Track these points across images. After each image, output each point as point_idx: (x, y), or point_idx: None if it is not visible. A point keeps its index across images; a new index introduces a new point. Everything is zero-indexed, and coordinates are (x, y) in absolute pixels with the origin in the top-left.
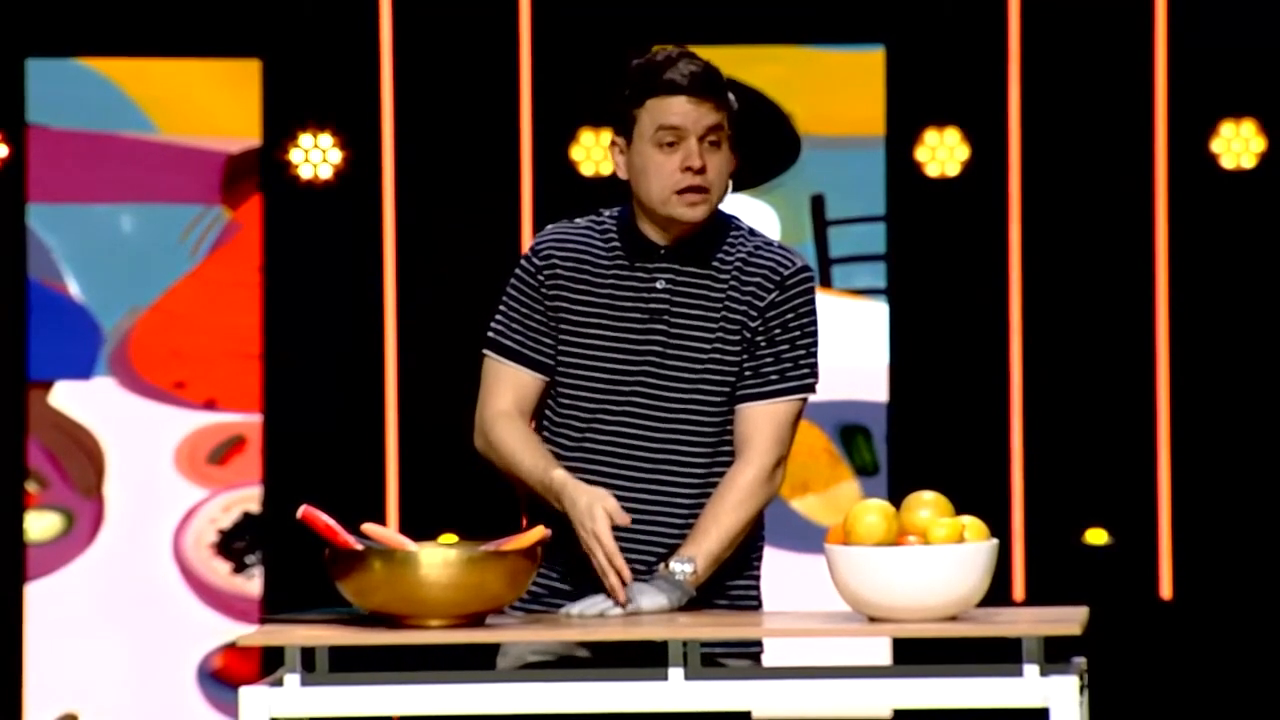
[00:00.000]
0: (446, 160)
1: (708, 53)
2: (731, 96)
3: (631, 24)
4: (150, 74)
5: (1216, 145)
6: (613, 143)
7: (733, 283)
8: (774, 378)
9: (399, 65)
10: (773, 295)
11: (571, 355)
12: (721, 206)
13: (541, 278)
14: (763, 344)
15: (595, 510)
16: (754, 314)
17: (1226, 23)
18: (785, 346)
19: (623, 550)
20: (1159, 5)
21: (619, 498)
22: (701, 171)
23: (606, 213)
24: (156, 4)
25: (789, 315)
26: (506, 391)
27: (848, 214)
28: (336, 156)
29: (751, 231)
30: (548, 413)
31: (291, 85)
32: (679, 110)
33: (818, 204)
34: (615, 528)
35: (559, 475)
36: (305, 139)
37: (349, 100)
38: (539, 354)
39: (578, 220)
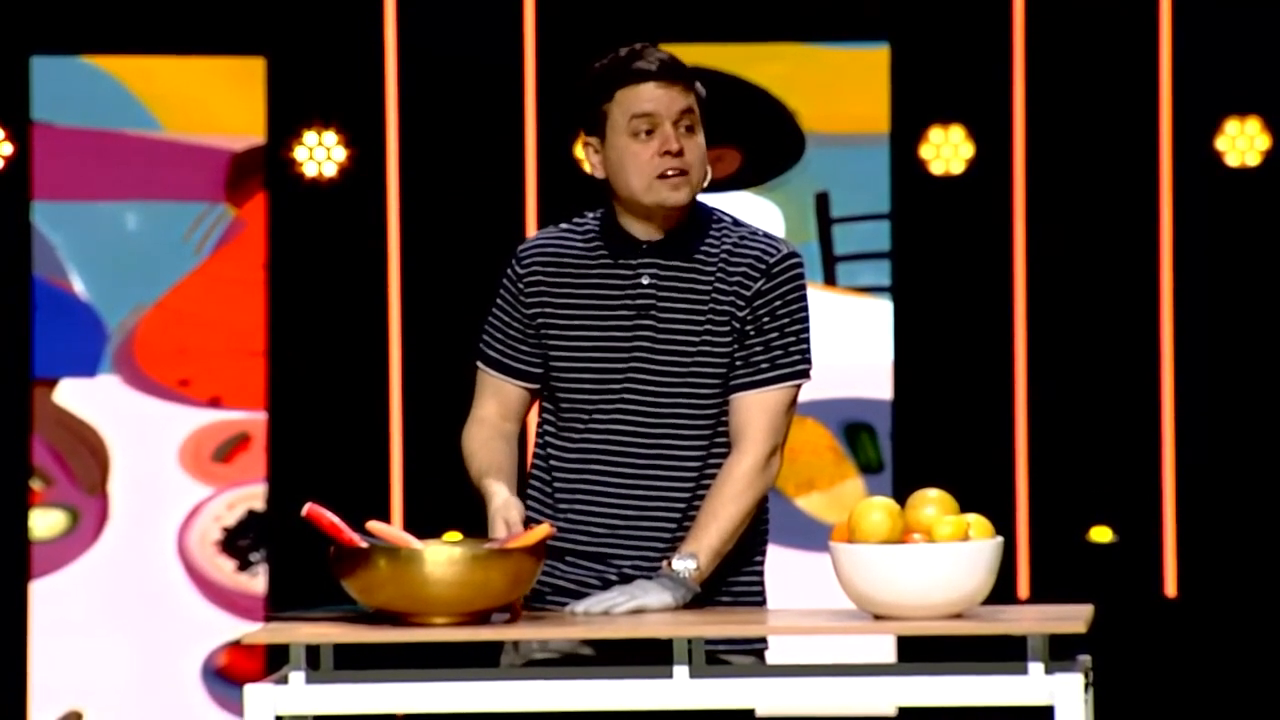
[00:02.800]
0: (451, 158)
1: (713, 51)
2: (698, 84)
3: (636, 21)
4: (155, 72)
5: (1221, 143)
6: (585, 143)
7: (719, 274)
8: (765, 366)
9: (403, 63)
10: (759, 284)
11: (563, 358)
12: (716, 202)
13: (522, 286)
14: (752, 333)
15: (496, 521)
16: (742, 303)
17: (1231, 20)
18: (775, 334)
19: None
20: (1164, 3)
21: (619, 494)
22: (680, 154)
23: (590, 215)
24: (161, 2)
25: (777, 303)
26: (489, 400)
27: (852, 212)
28: (341, 154)
29: (735, 221)
30: (549, 417)
31: (296, 83)
32: (650, 96)
33: (822, 202)
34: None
35: (488, 483)
36: (310, 137)
37: (353, 98)
38: (520, 363)
39: (560, 225)
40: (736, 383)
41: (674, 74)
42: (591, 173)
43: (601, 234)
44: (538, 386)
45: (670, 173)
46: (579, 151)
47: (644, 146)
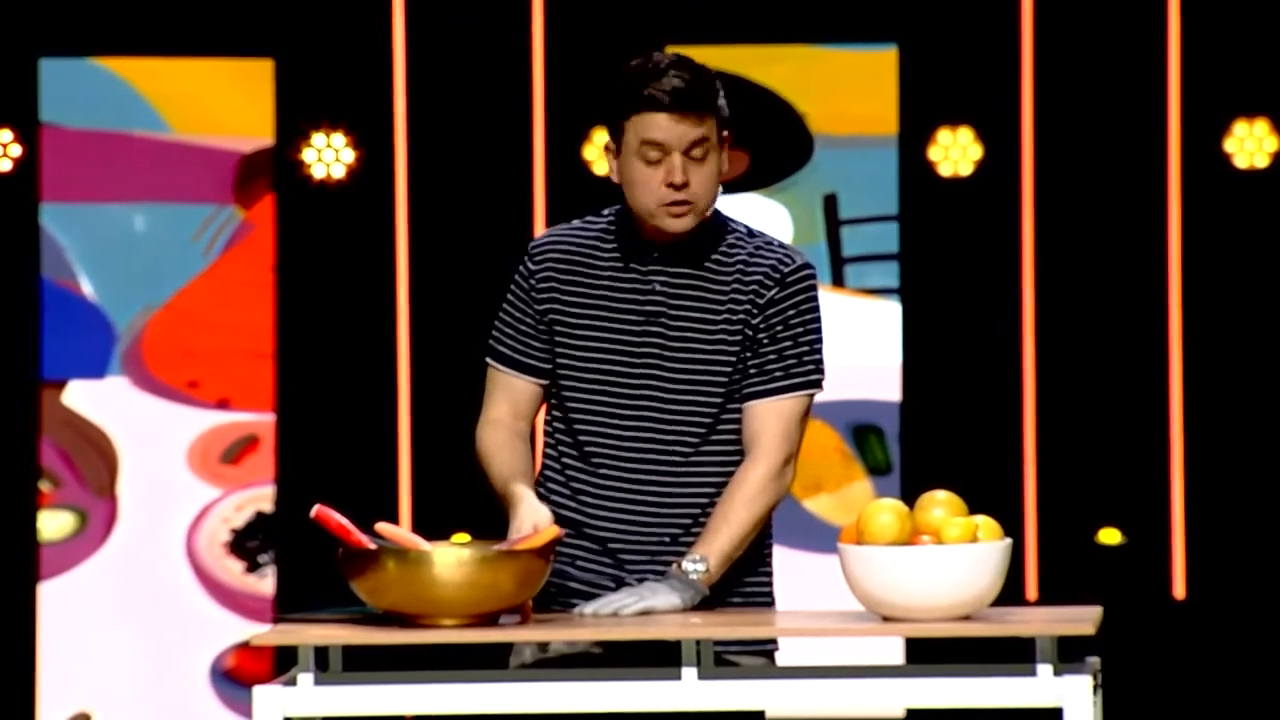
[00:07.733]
0: (459, 159)
1: (721, 52)
2: (721, 102)
3: (645, 23)
4: (163, 73)
5: (1230, 144)
6: (606, 146)
7: (735, 283)
8: (779, 374)
9: (412, 64)
10: (773, 292)
11: (569, 358)
12: (724, 204)
13: (534, 282)
14: (765, 341)
15: (525, 525)
16: (755, 312)
17: (1239, 21)
18: (789, 343)
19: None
20: (1172, 4)
21: (624, 498)
22: (684, 186)
23: (606, 212)
24: (169, 3)
25: (790, 312)
26: (501, 399)
27: (860, 213)
28: (349, 156)
29: (750, 231)
30: (554, 413)
31: (304, 84)
32: (661, 127)
33: (830, 203)
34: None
35: (515, 488)
36: (318, 138)
37: (362, 99)
38: (532, 359)
39: (574, 221)
40: (750, 390)
41: (688, 105)
42: (608, 174)
43: (617, 235)
44: (549, 383)
45: (672, 203)
46: (588, 153)
47: (652, 173)
